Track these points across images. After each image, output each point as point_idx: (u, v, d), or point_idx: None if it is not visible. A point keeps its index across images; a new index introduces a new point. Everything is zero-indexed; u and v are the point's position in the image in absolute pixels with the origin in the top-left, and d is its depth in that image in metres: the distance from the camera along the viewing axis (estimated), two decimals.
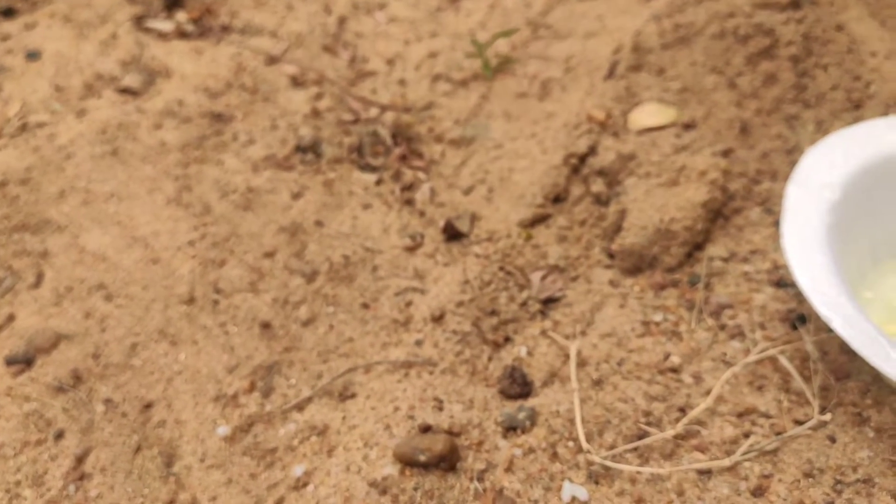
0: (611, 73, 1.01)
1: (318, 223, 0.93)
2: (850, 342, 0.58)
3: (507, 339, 0.77)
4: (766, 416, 0.64)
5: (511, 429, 0.67)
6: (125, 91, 1.13)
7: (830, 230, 0.67)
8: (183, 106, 1.09)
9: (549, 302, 0.80)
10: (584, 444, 0.64)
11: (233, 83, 1.14)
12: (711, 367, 0.69)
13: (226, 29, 1.26)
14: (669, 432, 0.64)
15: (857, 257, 0.70)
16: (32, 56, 1.21)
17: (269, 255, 0.89)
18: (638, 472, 0.62)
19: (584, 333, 0.75)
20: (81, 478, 0.70)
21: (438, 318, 0.79)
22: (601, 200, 0.87)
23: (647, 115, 0.92)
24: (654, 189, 0.83)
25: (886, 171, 0.72)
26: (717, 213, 0.82)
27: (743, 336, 0.71)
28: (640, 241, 0.79)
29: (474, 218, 0.91)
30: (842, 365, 0.66)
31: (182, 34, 1.25)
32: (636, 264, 0.80)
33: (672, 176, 0.83)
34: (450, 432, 0.67)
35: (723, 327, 0.72)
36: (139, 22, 1.27)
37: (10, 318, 0.84)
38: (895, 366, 0.56)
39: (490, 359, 0.75)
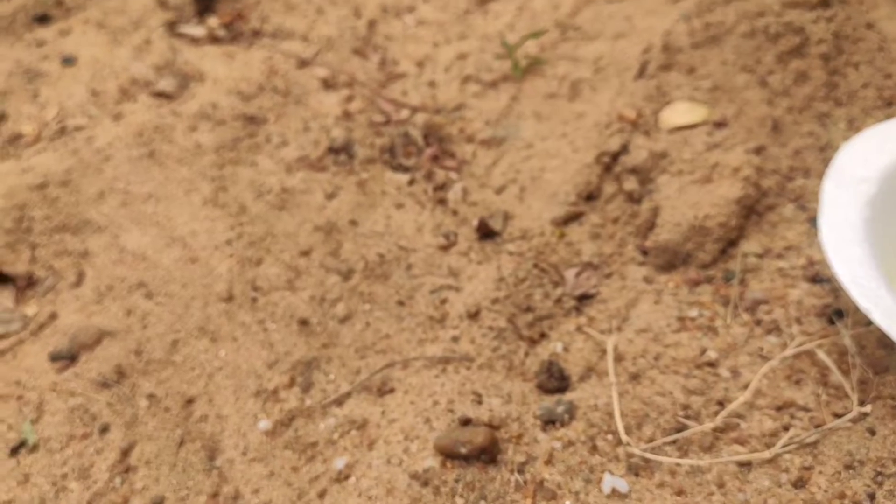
0: (641, 73, 1.02)
1: (353, 222, 0.94)
2: (890, 333, 0.58)
3: (543, 335, 0.78)
4: (805, 409, 0.65)
5: (550, 422, 0.68)
6: (160, 95, 1.15)
7: (867, 224, 0.67)
8: (217, 109, 1.11)
9: (584, 298, 0.81)
10: (624, 437, 0.65)
11: (265, 86, 1.16)
12: (748, 362, 0.70)
13: (257, 33, 1.28)
14: (708, 425, 0.64)
15: (894, 251, 0.70)
16: (68, 61, 1.24)
17: (305, 253, 0.90)
18: (678, 465, 0.63)
19: (619, 329, 0.76)
20: (127, 470, 0.71)
21: (474, 315, 0.80)
22: (634, 198, 0.87)
23: (679, 113, 0.93)
24: (688, 186, 0.83)
25: None
26: (751, 210, 0.82)
27: (779, 331, 0.71)
28: (674, 238, 0.80)
29: (507, 217, 0.92)
30: (880, 359, 0.67)
31: (214, 39, 1.27)
32: (670, 261, 0.81)
33: (705, 173, 0.84)
34: (490, 425, 0.68)
35: (759, 322, 0.73)
36: (172, 27, 1.30)
37: (53, 316, 0.86)
38: None
39: (526, 354, 0.76)
